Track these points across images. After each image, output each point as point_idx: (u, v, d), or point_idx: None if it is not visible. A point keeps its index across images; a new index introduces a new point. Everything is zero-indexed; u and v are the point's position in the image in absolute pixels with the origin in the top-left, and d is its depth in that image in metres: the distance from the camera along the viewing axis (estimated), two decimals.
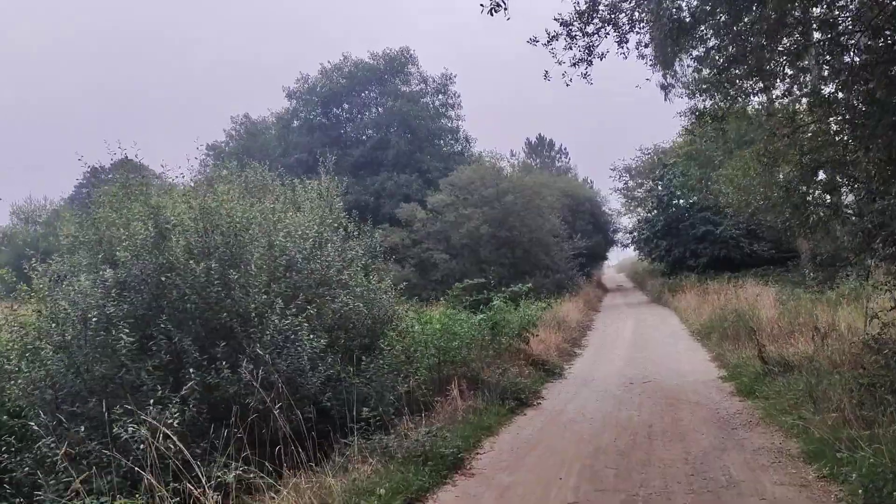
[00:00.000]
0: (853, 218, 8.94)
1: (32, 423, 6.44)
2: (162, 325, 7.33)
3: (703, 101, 9.87)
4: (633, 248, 46.13)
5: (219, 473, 6.18)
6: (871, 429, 6.35)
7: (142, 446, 5.99)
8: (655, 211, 38.27)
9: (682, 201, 35.41)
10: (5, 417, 7.33)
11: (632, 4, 8.44)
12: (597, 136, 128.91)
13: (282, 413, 7.25)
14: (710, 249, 33.12)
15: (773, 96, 9.84)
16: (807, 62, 8.55)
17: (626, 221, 53.77)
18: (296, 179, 13.50)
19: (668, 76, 26.64)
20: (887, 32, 7.59)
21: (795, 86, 8.71)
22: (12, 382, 7.16)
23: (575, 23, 7.89)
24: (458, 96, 45.76)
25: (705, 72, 10.15)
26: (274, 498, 6.09)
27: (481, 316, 13.34)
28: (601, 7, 8.17)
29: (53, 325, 7.57)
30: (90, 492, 5.72)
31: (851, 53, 7.78)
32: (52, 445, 6.17)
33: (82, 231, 9.08)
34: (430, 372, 11.12)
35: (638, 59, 9.35)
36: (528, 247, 33.39)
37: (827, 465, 6.18)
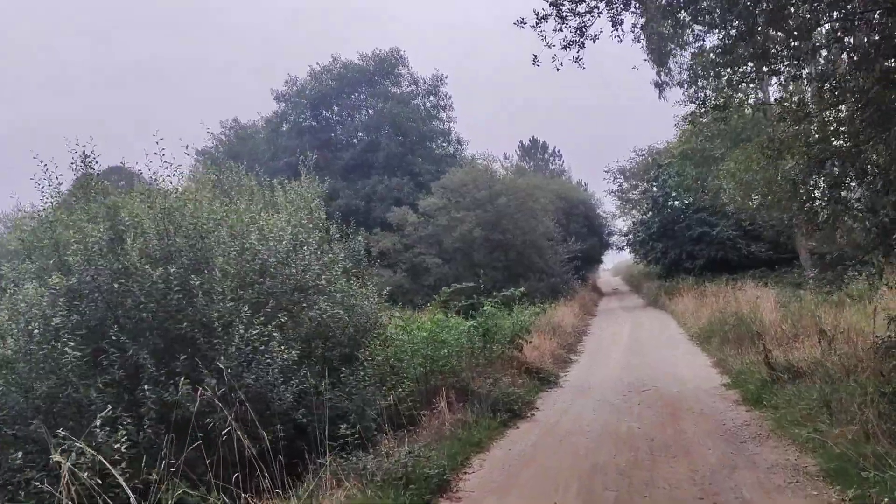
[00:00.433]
0: (865, 213, 8.30)
1: None
2: (114, 337, 6.64)
3: (704, 87, 9.25)
4: (628, 250, 45.63)
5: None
6: None
7: (85, 474, 5.32)
8: (651, 212, 37.74)
9: (677, 202, 34.88)
10: None
11: None
12: (591, 138, 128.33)
13: (246, 433, 6.59)
14: (706, 251, 32.58)
15: (781, 80, 9.21)
16: (816, 42, 7.93)
17: (621, 224, 53.34)
18: (275, 180, 12.81)
19: (662, 73, 25.93)
20: None
21: (805, 69, 8.07)
22: None
23: (565, 2, 7.25)
24: (450, 98, 45.11)
25: (707, 57, 9.54)
26: None
27: (472, 322, 12.68)
28: None
29: None
30: None
31: (865, 32, 7.17)
32: None
33: (35, 235, 8.38)
34: (416, 383, 10.45)
35: (634, 44, 8.71)
36: (521, 250, 32.78)
37: (852, 485, 5.53)
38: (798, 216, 9.98)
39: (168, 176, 9.15)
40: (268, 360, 7.15)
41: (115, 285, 6.96)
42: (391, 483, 6.71)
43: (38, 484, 5.31)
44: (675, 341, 19.22)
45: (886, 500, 4.90)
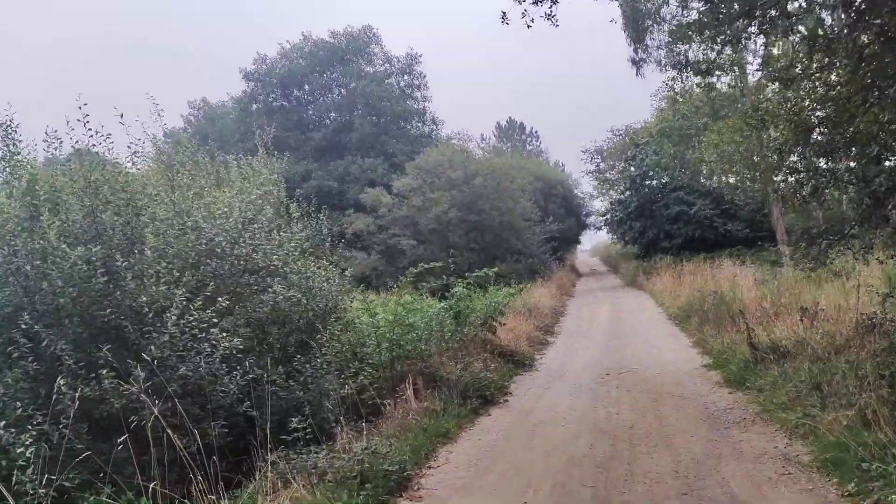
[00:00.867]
0: (857, 183, 7.77)
1: None
2: (25, 326, 5.86)
3: (686, 51, 8.61)
4: (605, 230, 45.28)
5: None
6: None
7: None
8: (628, 192, 37.34)
9: (654, 182, 34.52)
10: None
11: None
12: (568, 119, 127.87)
13: (185, 430, 5.91)
14: (684, 230, 32.32)
15: (768, 40, 8.60)
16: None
17: (599, 205, 53.00)
18: (229, 156, 11.97)
19: (639, 50, 25.24)
20: None
21: (796, 27, 7.45)
22: None
23: None
24: (424, 77, 44.15)
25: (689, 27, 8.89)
26: None
27: (442, 304, 12.03)
28: None
29: None
30: None
31: None
32: None
33: None
34: (382, 370, 9.79)
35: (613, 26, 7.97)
36: (498, 231, 32.20)
37: (851, 478, 5.00)
38: (783, 188, 9.45)
39: (132, 158, 8.42)
40: (207, 349, 6.42)
41: (29, 267, 6.17)
42: (344, 482, 6.06)
43: None
44: (654, 321, 18.79)
45: (894, 496, 4.35)
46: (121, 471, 5.89)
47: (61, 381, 5.54)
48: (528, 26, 7.31)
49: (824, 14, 7.60)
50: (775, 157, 8.79)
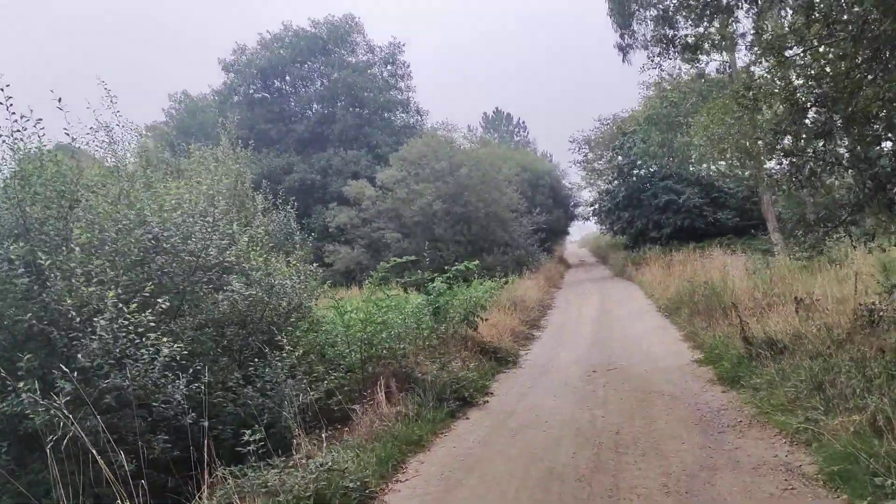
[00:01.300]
0: (859, 163, 7.18)
1: None
2: None
3: (676, 25, 7.99)
4: (594, 220, 44.77)
5: None
6: None
7: None
8: (616, 181, 36.81)
9: (642, 171, 33.99)
10: None
11: None
12: (556, 109, 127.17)
13: (122, 444, 5.27)
14: (673, 219, 31.86)
15: (762, 13, 7.99)
16: None
17: (587, 195, 52.52)
18: (192, 146, 11.28)
19: (626, 36, 24.61)
20: None
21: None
22: None
23: None
24: (408, 66, 43.37)
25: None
26: None
27: (419, 300, 11.40)
28: None
29: None
30: None
31: None
32: None
33: None
34: (353, 372, 9.17)
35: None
36: (484, 223, 31.58)
37: (864, 495, 4.42)
38: (777, 172, 8.88)
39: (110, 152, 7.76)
40: (146, 356, 5.76)
41: None
42: (300, 502, 5.43)
43: None
44: (643, 313, 18.26)
45: None
46: (46, 493, 5.26)
47: None
48: None
49: None
50: (769, 137, 8.20)
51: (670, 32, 9.32)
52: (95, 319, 5.63)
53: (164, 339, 5.91)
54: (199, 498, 5.59)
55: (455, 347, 11.86)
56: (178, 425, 6.29)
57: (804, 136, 7.89)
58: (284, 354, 7.52)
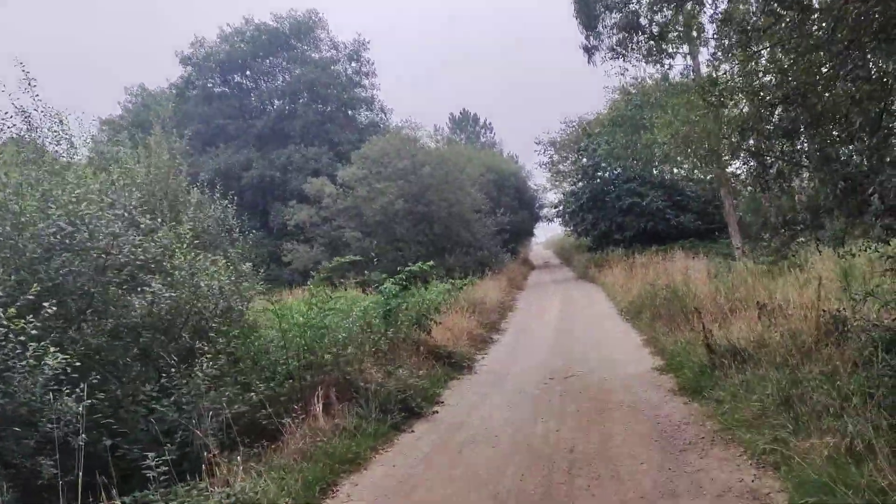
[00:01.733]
0: (830, 165, 6.73)
1: None
2: None
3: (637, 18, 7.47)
4: (558, 222, 44.58)
5: None
6: None
7: None
8: (581, 183, 36.60)
9: (607, 173, 33.85)
10: None
11: None
12: (523, 112, 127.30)
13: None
14: (636, 222, 31.74)
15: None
16: None
17: (552, 197, 52.33)
18: (123, 135, 10.39)
19: (591, 37, 24.24)
20: None
21: None
22: None
23: None
24: (373, 64, 42.51)
25: None
26: None
27: (368, 302, 10.71)
28: None
29: None
30: None
31: None
32: None
33: None
34: (290, 381, 8.42)
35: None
36: (447, 223, 30.97)
37: None
38: (742, 172, 8.45)
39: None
40: (25, 368, 4.97)
41: None
42: None
43: None
44: (604, 317, 17.86)
45: None
46: None
47: None
48: None
49: None
50: (735, 136, 7.74)
51: (635, 19, 8.86)
52: None
53: (52, 349, 5.12)
54: None
55: (406, 353, 11.20)
56: (75, 446, 5.51)
57: (771, 134, 7.44)
58: (204, 363, 6.75)
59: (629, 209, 31.98)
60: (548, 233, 79.87)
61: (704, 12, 8.05)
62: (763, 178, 7.83)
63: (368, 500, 5.82)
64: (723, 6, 7.65)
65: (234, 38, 40.73)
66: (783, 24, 6.56)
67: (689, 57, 24.14)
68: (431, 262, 12.46)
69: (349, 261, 9.91)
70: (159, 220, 8.10)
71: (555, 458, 6.39)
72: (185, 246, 7.84)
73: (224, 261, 8.23)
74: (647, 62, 27.94)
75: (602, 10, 22.81)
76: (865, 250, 7.22)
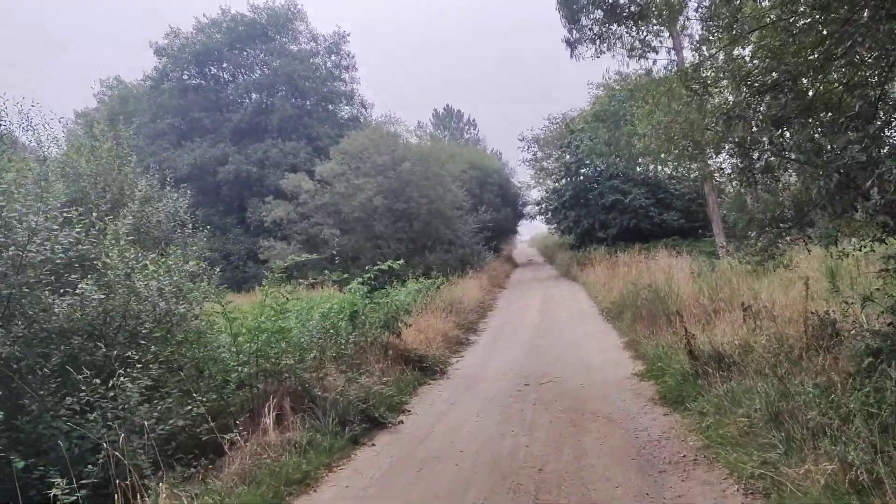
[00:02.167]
0: (824, 156, 6.19)
1: None
2: None
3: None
4: (541, 219, 44.12)
5: None
6: None
7: None
8: (564, 180, 36.11)
9: (590, 170, 33.39)
10: None
11: None
12: (507, 109, 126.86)
13: None
14: (619, 220, 31.27)
15: None
16: None
17: (536, 194, 51.87)
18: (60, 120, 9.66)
19: (574, 31, 23.66)
20: None
21: None
22: None
23: None
24: (353, 57, 41.72)
25: None
26: None
27: (333, 303, 10.06)
28: None
29: None
30: None
31: None
32: None
33: None
34: (241, 389, 7.76)
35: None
36: (427, 220, 30.30)
37: None
38: (730, 166, 7.90)
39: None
40: None
41: None
42: None
43: None
44: (585, 316, 17.33)
45: None
46: None
47: None
48: None
49: None
50: (720, 125, 7.18)
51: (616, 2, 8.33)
52: None
53: None
54: None
55: (374, 357, 10.57)
56: None
57: (759, 123, 6.89)
58: (136, 374, 6.06)
59: (612, 206, 31.53)
60: (532, 231, 79.66)
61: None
62: (749, 171, 7.29)
63: None
64: None
65: (210, 28, 39.79)
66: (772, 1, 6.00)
67: (672, 52, 23.74)
68: (402, 261, 11.81)
69: (305, 260, 9.24)
70: (94, 214, 7.38)
71: (521, 479, 5.78)
72: (121, 243, 7.13)
73: (164, 259, 7.51)
74: (630, 56, 27.23)
75: (585, 2, 22.39)
76: (860, 249, 6.66)
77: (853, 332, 6.62)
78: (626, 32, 9.86)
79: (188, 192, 10.06)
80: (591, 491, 5.31)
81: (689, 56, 16.99)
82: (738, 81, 7.18)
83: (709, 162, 9.44)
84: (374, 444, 7.51)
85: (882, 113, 5.97)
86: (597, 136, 26.85)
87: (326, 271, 10.81)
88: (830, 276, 12.09)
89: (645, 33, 9.36)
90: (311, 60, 40.23)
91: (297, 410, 7.76)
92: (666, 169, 25.98)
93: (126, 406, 5.98)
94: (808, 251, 9.12)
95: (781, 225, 7.79)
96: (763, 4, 6.56)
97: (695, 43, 7.74)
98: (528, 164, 51.46)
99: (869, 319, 7.11)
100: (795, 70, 6.35)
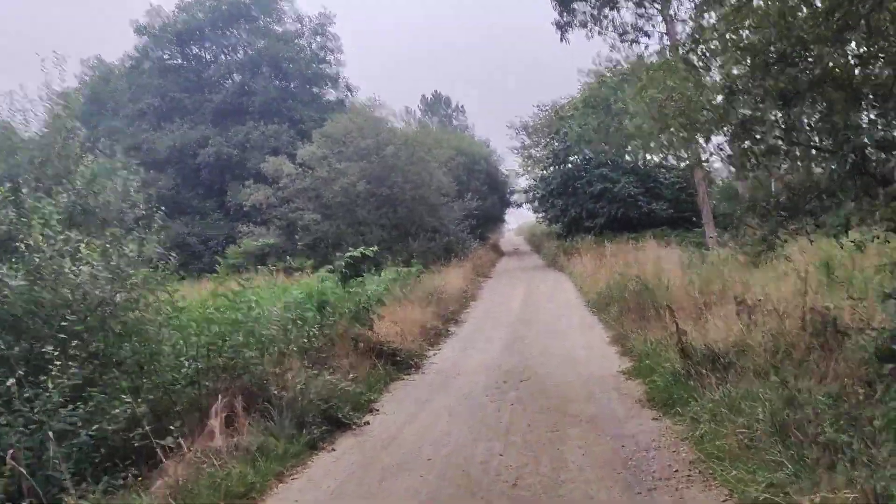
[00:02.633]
0: (837, 136, 5.53)
1: None
2: None
3: None
4: (528, 207, 43.47)
5: None
6: None
7: None
8: (552, 168, 35.43)
9: (578, 158, 32.74)
10: None
11: None
12: (496, 96, 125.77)
13: None
14: (607, 208, 30.67)
15: None
16: None
17: (524, 182, 51.12)
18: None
19: (564, 14, 22.84)
20: None
21: None
22: None
23: None
24: (339, 39, 40.73)
25: None
26: None
27: (297, 292, 9.32)
28: None
29: None
30: None
31: None
32: None
33: None
34: (188, 387, 7.02)
35: None
36: (411, 206, 29.49)
37: None
38: (730, 149, 7.22)
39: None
40: None
41: None
42: None
43: None
44: (571, 308, 16.72)
45: None
46: None
47: None
48: None
49: None
50: (721, 102, 6.49)
51: None
52: None
53: None
54: None
55: (343, 350, 9.86)
56: None
57: (765, 97, 6.21)
58: (56, 373, 5.31)
59: (600, 195, 30.92)
60: (520, 219, 78.84)
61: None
62: (751, 154, 6.61)
63: None
64: None
65: (192, 7, 38.65)
66: None
67: (665, 37, 23.05)
68: (375, 248, 11.09)
69: (263, 245, 8.49)
70: (24, 191, 6.59)
71: (493, 494, 5.11)
72: (51, 223, 6.35)
73: (99, 242, 6.72)
74: (622, 41, 26.48)
75: None
76: (873, 240, 6.00)
77: (865, 333, 5.97)
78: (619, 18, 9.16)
79: (161, 173, 9.32)
80: None
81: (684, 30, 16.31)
82: (743, 52, 6.47)
83: (702, 146, 8.78)
84: (334, 450, 6.81)
85: None
86: (586, 123, 26.23)
87: (289, 257, 10.07)
88: (826, 269, 11.51)
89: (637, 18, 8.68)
90: (296, 41, 39.27)
91: (250, 411, 7.05)
92: (655, 157, 25.40)
93: (45, 409, 5.23)
94: (811, 241, 8.52)
95: (783, 213, 7.14)
96: None
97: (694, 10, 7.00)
98: (516, 151, 50.60)
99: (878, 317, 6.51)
100: (808, 39, 5.66)
